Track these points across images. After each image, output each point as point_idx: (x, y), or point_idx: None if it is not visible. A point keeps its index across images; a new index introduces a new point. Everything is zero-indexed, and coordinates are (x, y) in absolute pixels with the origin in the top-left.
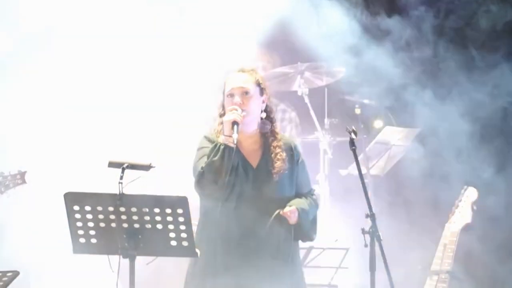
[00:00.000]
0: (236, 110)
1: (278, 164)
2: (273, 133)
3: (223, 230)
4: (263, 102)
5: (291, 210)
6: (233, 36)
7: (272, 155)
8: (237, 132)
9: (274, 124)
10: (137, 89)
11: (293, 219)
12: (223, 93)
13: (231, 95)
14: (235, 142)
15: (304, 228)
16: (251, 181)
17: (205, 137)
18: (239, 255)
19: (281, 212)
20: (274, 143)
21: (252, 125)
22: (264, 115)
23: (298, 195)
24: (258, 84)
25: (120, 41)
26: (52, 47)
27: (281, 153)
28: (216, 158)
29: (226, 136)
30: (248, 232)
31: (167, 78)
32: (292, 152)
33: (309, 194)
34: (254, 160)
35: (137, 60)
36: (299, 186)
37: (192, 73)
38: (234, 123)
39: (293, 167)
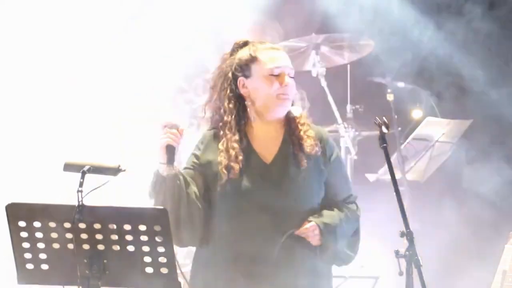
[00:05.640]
0: (171, 130)
1: (310, 142)
2: (301, 119)
3: (220, 253)
4: None
5: (309, 228)
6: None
7: (301, 132)
8: (173, 157)
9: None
10: (95, 81)
11: (314, 239)
12: (249, 70)
13: (278, 76)
14: (164, 174)
15: (334, 251)
16: (261, 182)
17: (204, 135)
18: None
19: (295, 232)
20: (302, 126)
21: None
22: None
23: (332, 204)
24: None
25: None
26: None
27: (311, 131)
28: (152, 189)
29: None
30: (257, 257)
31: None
32: (321, 146)
33: (346, 202)
34: (268, 153)
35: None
36: (333, 192)
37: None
38: (169, 147)
39: (323, 165)
